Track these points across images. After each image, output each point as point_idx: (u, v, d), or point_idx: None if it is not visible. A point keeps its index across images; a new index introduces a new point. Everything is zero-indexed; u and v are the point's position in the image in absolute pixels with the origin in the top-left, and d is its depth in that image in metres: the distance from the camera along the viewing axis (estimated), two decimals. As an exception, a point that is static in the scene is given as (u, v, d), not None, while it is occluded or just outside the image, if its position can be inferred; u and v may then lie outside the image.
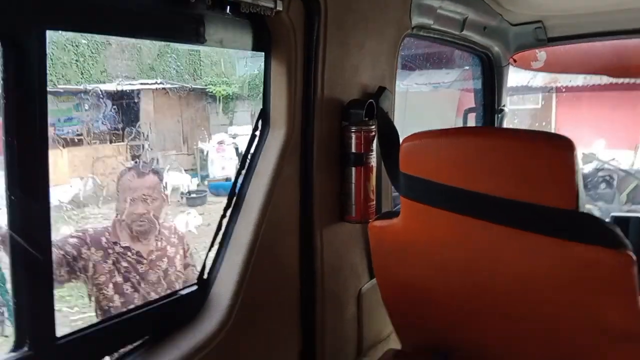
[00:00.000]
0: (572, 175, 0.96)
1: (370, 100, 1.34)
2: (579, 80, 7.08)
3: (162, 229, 2.04)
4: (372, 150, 1.35)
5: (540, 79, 7.23)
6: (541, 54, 2.47)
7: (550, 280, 1.05)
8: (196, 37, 0.99)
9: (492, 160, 1.04)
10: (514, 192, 1.01)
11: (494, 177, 1.03)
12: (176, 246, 2.05)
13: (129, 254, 1.94)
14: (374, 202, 1.38)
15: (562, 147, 0.97)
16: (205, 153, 3.97)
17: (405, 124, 1.38)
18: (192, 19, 0.99)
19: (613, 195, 5.36)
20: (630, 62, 2.47)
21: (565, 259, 1.01)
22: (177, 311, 1.08)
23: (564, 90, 7.46)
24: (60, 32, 0.84)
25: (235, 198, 1.19)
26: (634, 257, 0.96)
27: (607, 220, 2.16)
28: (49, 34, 0.78)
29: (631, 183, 5.45)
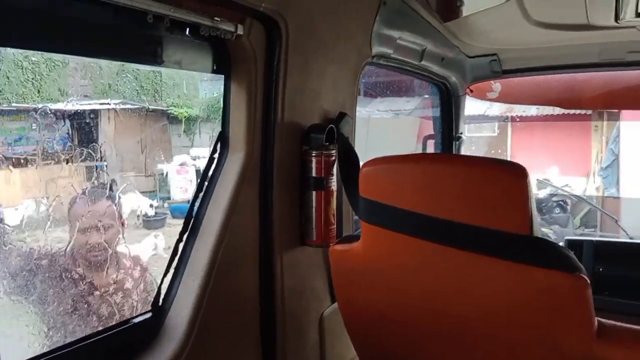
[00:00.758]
0: (525, 200, 0.99)
1: (331, 125, 1.35)
2: (532, 110, 7.38)
3: (120, 258, 1.95)
4: (332, 175, 1.35)
5: (496, 109, 7.49)
6: (496, 85, 2.56)
7: (508, 304, 1.07)
8: (154, 58, 0.98)
9: (450, 186, 1.06)
10: (471, 218, 1.03)
11: (452, 202, 1.05)
12: (136, 277, 1.97)
13: (82, 284, 1.84)
14: (335, 226, 1.37)
15: (516, 174, 0.99)
16: (165, 175, 3.89)
17: (368, 148, 1.39)
18: (151, 40, 0.98)
19: (567, 219, 5.56)
20: (581, 94, 2.59)
21: (522, 283, 1.03)
22: (129, 340, 1.03)
23: (518, 119, 7.75)
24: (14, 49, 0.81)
25: (192, 221, 1.17)
26: (588, 281, 0.99)
27: (562, 243, 2.22)
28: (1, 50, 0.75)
29: (584, 208, 5.66)
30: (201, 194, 1.18)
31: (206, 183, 1.18)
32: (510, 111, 7.61)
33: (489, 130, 8.17)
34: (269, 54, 1.19)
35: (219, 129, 1.23)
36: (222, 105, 1.22)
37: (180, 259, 1.14)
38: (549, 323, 1.05)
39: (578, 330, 1.03)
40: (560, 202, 5.72)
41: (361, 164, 1.19)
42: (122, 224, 1.92)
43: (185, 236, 1.15)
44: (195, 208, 1.17)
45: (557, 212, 5.68)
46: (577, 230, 5.40)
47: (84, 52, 0.94)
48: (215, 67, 1.14)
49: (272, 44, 1.19)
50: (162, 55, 0.99)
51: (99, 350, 0.98)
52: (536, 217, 1.03)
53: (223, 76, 1.18)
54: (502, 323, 1.09)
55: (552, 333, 1.06)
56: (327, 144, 1.33)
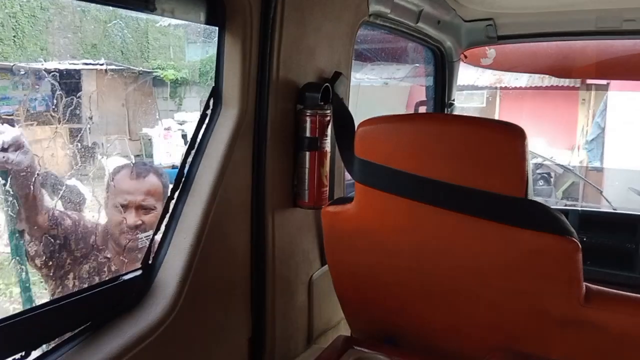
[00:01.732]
0: (522, 163, 0.98)
1: (326, 84, 1.33)
2: (522, 81, 7.38)
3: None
4: (326, 135, 1.33)
5: (485, 79, 7.48)
6: (491, 51, 2.54)
7: (497, 265, 1.08)
8: (145, 3, 0.94)
9: (445, 146, 1.05)
10: (465, 179, 1.03)
11: (446, 163, 1.04)
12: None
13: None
14: (327, 188, 1.37)
15: (514, 134, 0.99)
16: (150, 139, 3.83)
17: (357, 117, 1.37)
18: None
19: (550, 191, 5.64)
20: (573, 63, 2.58)
21: (513, 245, 1.03)
22: (119, 297, 1.02)
23: (508, 88, 7.76)
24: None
25: (183, 180, 1.15)
26: (579, 244, 0.99)
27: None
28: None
29: (567, 180, 5.74)
30: (193, 151, 1.15)
31: (198, 140, 1.16)
32: (499, 82, 7.60)
33: (478, 101, 8.18)
34: (265, 6, 1.15)
35: (206, 93, 1.20)
36: (212, 68, 1.18)
37: (171, 216, 1.12)
38: (537, 286, 1.06)
39: (566, 293, 1.05)
40: (545, 175, 5.79)
41: (356, 124, 1.18)
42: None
43: (176, 194, 1.13)
44: (187, 165, 1.14)
45: (540, 184, 5.75)
46: (560, 202, 5.49)
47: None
48: (208, 18, 1.11)
49: None
50: (155, 2, 0.95)
51: (88, 307, 0.97)
52: (531, 181, 1.03)
53: (216, 29, 1.14)
54: (491, 284, 1.10)
55: (540, 295, 1.07)
56: (322, 103, 1.31)
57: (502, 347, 1.14)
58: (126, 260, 1.55)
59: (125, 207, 1.58)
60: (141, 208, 1.57)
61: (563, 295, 1.05)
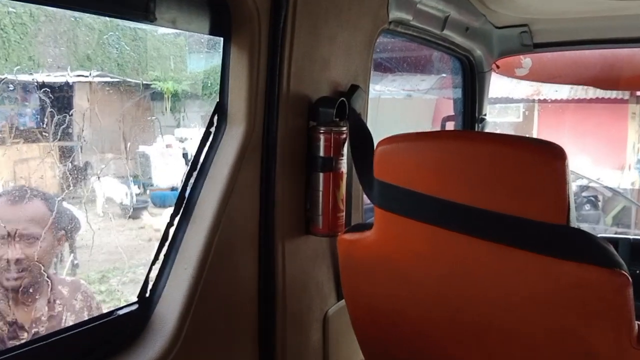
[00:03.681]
0: (563, 186, 0.98)
1: (342, 98, 1.35)
2: (563, 92, 7.35)
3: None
4: (342, 155, 1.35)
5: (521, 91, 7.46)
6: (526, 60, 2.55)
7: (535, 301, 1.07)
8: (145, 14, 0.97)
9: (475, 167, 1.05)
10: (498, 204, 1.03)
11: (477, 186, 1.05)
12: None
13: None
14: (344, 213, 1.38)
15: (553, 154, 0.99)
16: (148, 158, 3.89)
17: (376, 133, 1.39)
18: None
19: (598, 217, 5.56)
20: (620, 73, 2.58)
21: (553, 278, 1.03)
22: (114, 335, 1.04)
23: (547, 101, 7.73)
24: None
25: (184, 204, 1.17)
26: (630, 278, 0.98)
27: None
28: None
29: (617, 205, 5.67)
30: (195, 173, 1.18)
31: (201, 160, 1.18)
32: (537, 94, 7.58)
33: (513, 115, 8.15)
34: (275, 15, 1.18)
35: (209, 107, 1.22)
36: (217, 80, 1.21)
37: (170, 245, 1.14)
38: (581, 325, 1.05)
39: (615, 333, 1.03)
40: (591, 198, 5.72)
41: (376, 142, 1.19)
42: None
43: (176, 220, 1.15)
44: (188, 188, 1.17)
45: (587, 208, 5.68)
46: (609, 229, 5.41)
47: (69, 3, 0.93)
48: (213, 29, 1.14)
49: (278, 4, 1.18)
50: (155, 11, 0.98)
51: (79, 345, 0.98)
52: (573, 206, 1.02)
53: (220, 50, 1.17)
54: (528, 323, 1.09)
55: (584, 336, 1.06)
56: (337, 119, 1.33)
57: (542, 394, 1.12)
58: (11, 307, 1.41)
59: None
60: (21, 238, 1.42)
61: (612, 335, 1.04)
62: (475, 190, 1.05)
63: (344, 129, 1.34)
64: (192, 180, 1.18)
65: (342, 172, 1.36)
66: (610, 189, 5.01)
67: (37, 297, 1.46)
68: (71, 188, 2.05)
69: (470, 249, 1.07)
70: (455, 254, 1.10)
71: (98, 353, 1.00)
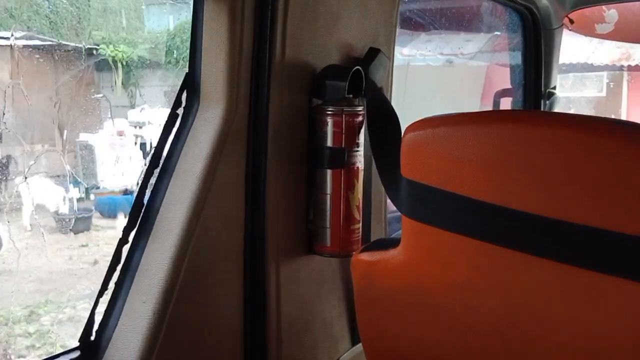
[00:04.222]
0: None
1: (357, 67, 1.35)
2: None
3: None
4: (358, 145, 1.36)
5: (604, 55, 7.44)
6: (611, 12, 2.54)
7: (635, 347, 1.06)
8: None
9: (544, 162, 1.05)
10: (578, 213, 1.02)
11: (548, 188, 1.04)
12: None
13: None
14: (360, 225, 1.38)
15: None
16: (92, 150, 3.92)
17: (404, 115, 1.39)
18: None
19: None
20: None
21: None
22: None
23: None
24: None
25: (143, 213, 1.18)
26: None
27: None
28: None
29: None
30: (157, 170, 1.18)
31: (165, 153, 1.19)
32: (626, 58, 7.55)
33: (593, 89, 8.13)
34: None
35: (176, 80, 1.23)
36: (189, 37, 1.22)
37: (124, 269, 1.15)
38: None
39: None
40: None
41: (403, 128, 1.19)
42: None
43: (132, 235, 1.16)
44: (148, 191, 1.17)
45: None
46: None
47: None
48: None
49: None
50: None
51: None
52: None
53: None
54: None
55: None
56: (351, 96, 1.34)
57: None
58: None
59: None
60: None
61: None
62: (545, 194, 1.04)
63: (360, 109, 1.35)
64: (153, 181, 1.18)
65: (357, 168, 1.36)
66: None
67: None
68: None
69: (540, 276, 1.07)
70: (518, 284, 1.10)
71: None
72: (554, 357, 1.12)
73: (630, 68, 7.85)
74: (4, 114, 1.94)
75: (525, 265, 1.07)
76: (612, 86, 8.21)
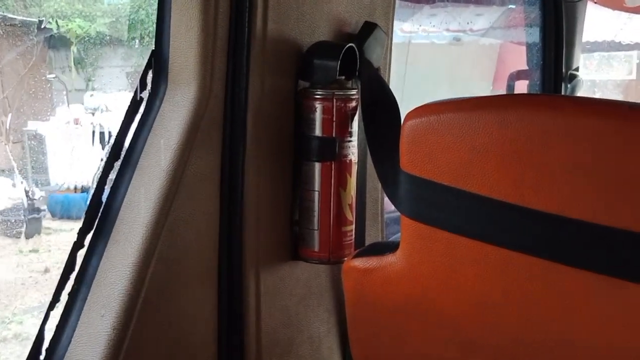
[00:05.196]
0: None
1: (350, 44, 1.35)
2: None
3: None
4: (350, 134, 1.36)
5: (636, 31, 7.48)
6: (643, -18, 2.56)
7: None
8: None
9: (569, 154, 1.05)
10: (606, 214, 1.02)
11: (569, 185, 1.05)
12: None
13: None
14: (353, 227, 1.39)
15: None
16: (42, 140, 3.92)
17: (405, 100, 1.40)
18: None
19: None
20: None
21: None
22: None
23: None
24: None
25: (101, 213, 1.18)
26: None
27: None
28: None
29: None
30: (118, 163, 1.18)
31: (126, 143, 1.18)
32: (660, 34, 7.60)
33: (623, 69, 8.17)
34: None
35: (140, 60, 1.23)
36: (156, 9, 1.22)
37: (79, 278, 1.15)
38: None
39: None
40: None
41: (403, 115, 1.19)
42: None
43: (88, 238, 1.16)
44: (107, 188, 1.17)
45: None
46: None
47: None
48: None
49: None
50: None
51: None
52: None
53: None
54: None
55: None
56: (343, 77, 1.34)
57: None
58: None
59: None
60: None
61: None
62: (567, 192, 1.05)
63: (354, 93, 1.35)
64: (113, 176, 1.18)
65: (350, 161, 1.37)
66: None
67: None
68: None
69: (560, 285, 1.07)
70: (534, 293, 1.11)
71: None
72: None
73: (663, 47, 7.92)
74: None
75: (547, 273, 1.08)
76: (641, 70, 8.26)
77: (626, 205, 1.01)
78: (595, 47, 6.80)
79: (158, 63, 1.21)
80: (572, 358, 1.11)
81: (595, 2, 2.51)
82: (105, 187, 1.19)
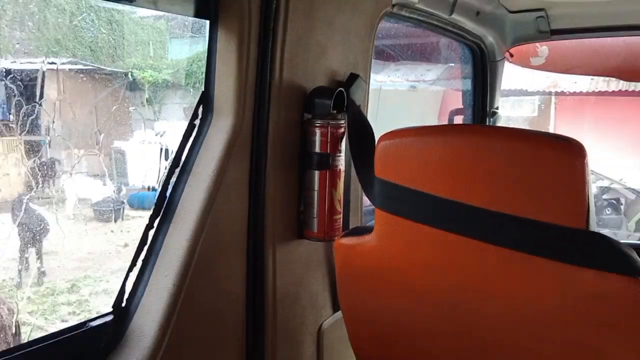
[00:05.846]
0: (582, 186, 0.99)
1: (340, 89, 1.35)
2: (583, 84, 7.37)
3: None
4: (340, 151, 1.36)
5: (537, 83, 7.47)
6: (542, 48, 2.56)
7: (552, 312, 1.07)
8: None
9: (487, 165, 1.06)
10: (512, 206, 1.03)
11: (488, 186, 1.05)
12: None
13: None
14: (341, 216, 1.38)
15: (572, 152, 0.99)
16: (124, 154, 3.87)
17: (378, 128, 1.39)
18: None
19: (620, 222, 5.58)
20: (646, 62, 2.59)
21: (571, 288, 1.03)
22: (86, 347, 1.04)
23: (567, 94, 7.75)
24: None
25: (165, 204, 1.17)
26: None
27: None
28: None
29: (641, 209, 5.69)
30: (177, 170, 1.18)
31: (184, 156, 1.18)
32: (554, 86, 7.60)
33: (528, 108, 8.17)
34: None
35: (192, 99, 1.23)
36: (203, 67, 1.21)
37: (149, 249, 1.15)
38: (602, 338, 1.06)
39: (637, 349, 1.04)
40: (613, 201, 5.73)
41: (377, 138, 1.20)
42: None
43: (156, 222, 1.15)
44: (170, 187, 1.17)
45: (608, 212, 5.70)
46: (632, 235, 5.44)
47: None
48: (198, 9, 1.14)
49: None
50: None
51: (50, 359, 0.98)
52: (593, 208, 1.03)
53: (207, 22, 1.17)
54: (544, 336, 1.10)
55: (603, 352, 1.06)
56: (335, 112, 1.34)
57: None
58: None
59: None
60: None
61: (636, 351, 1.05)
62: (487, 191, 1.05)
63: (342, 122, 1.35)
64: (174, 179, 1.18)
65: (339, 170, 1.36)
66: (635, 191, 5.03)
67: None
68: (40, 187, 2.05)
69: (483, 257, 1.07)
70: (465, 263, 1.11)
71: None
72: (493, 321, 1.13)
73: (557, 94, 7.92)
74: (53, 122, 1.93)
75: (475, 249, 1.08)
76: (542, 107, 8.26)
77: (526, 199, 1.02)
78: (509, 93, 6.81)
79: (206, 100, 1.21)
80: (488, 301, 1.11)
81: (510, 62, 2.51)
82: (169, 186, 1.19)
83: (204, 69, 1.22)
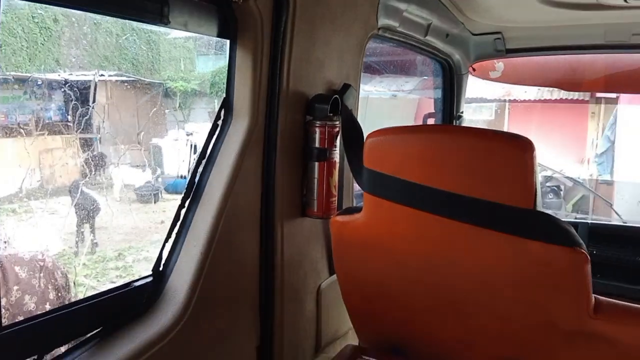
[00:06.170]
0: (530, 175, 0.99)
1: (336, 96, 1.35)
2: (531, 93, 7.37)
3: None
4: (335, 146, 1.35)
5: (494, 92, 7.47)
6: (499, 64, 2.55)
7: (505, 277, 1.08)
8: (160, 17, 0.97)
9: (454, 157, 1.06)
10: (474, 190, 1.03)
11: (455, 174, 1.05)
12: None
13: None
14: (336, 198, 1.38)
15: (523, 147, 1.00)
16: (160, 149, 3.86)
17: (366, 127, 1.39)
18: None
19: (560, 204, 5.60)
20: (582, 76, 2.59)
21: (521, 256, 1.04)
22: (130, 303, 1.04)
23: (519, 101, 7.75)
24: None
25: (194, 188, 1.17)
26: (588, 256, 0.99)
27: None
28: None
29: (577, 194, 5.71)
30: (204, 161, 1.17)
31: (209, 150, 1.18)
32: (508, 94, 7.60)
33: (487, 114, 8.17)
34: (276, 20, 1.18)
35: (215, 104, 1.22)
36: (222, 80, 1.21)
37: (181, 224, 1.14)
38: (546, 297, 1.06)
39: (574, 305, 1.05)
40: (554, 188, 5.75)
41: (365, 135, 1.19)
42: None
43: (187, 202, 1.15)
44: (198, 175, 1.17)
45: (550, 197, 5.71)
46: (570, 215, 5.45)
47: (89, 5, 0.92)
48: (220, 31, 1.13)
49: (279, 10, 1.18)
50: (169, 15, 0.98)
51: (100, 312, 0.99)
52: (539, 192, 1.03)
53: (227, 52, 1.17)
54: (500, 296, 1.10)
55: (549, 307, 1.07)
56: (331, 114, 1.33)
57: (510, 358, 1.14)
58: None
59: None
60: None
61: (572, 307, 1.05)
62: (454, 178, 1.05)
63: (337, 123, 1.34)
64: (201, 168, 1.18)
65: (335, 161, 1.36)
66: (571, 179, 5.05)
67: None
68: (92, 175, 2.04)
69: (451, 231, 1.08)
70: (436, 236, 1.11)
71: (116, 320, 1.01)
72: (459, 282, 1.14)
73: (510, 101, 7.92)
74: (103, 122, 1.92)
75: (444, 224, 1.08)
76: (498, 112, 8.26)
77: (486, 185, 1.02)
78: (472, 100, 6.81)
79: (226, 105, 1.20)
80: (455, 267, 1.12)
81: (473, 75, 2.50)
82: (197, 175, 1.18)
83: (225, 80, 1.21)
